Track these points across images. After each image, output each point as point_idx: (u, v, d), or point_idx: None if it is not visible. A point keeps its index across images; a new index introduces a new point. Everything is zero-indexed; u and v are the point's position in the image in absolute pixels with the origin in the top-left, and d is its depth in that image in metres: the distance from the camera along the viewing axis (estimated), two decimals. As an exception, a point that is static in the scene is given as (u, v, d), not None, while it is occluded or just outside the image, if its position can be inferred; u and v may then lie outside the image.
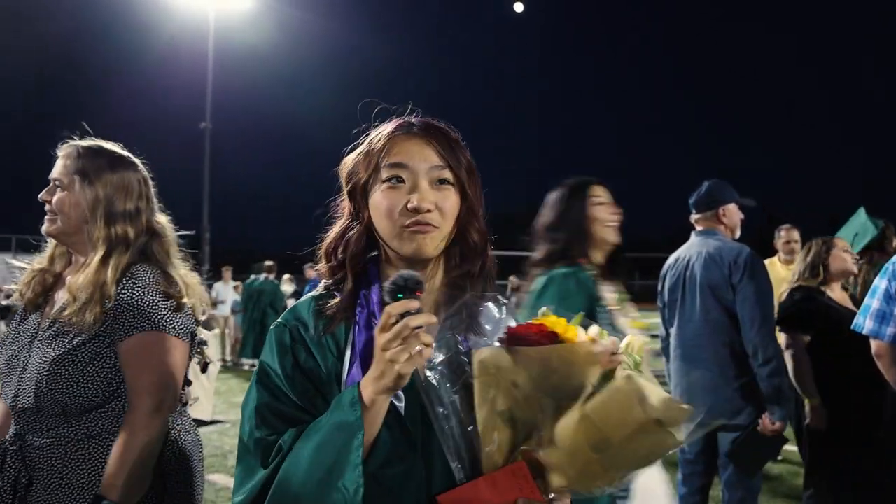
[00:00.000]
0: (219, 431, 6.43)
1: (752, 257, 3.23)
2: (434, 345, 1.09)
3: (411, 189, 1.19)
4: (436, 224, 1.19)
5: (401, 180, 1.20)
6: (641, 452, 1.04)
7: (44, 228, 1.84)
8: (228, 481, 5.09)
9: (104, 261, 1.74)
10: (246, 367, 11.89)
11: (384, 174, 1.21)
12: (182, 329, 1.79)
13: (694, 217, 3.59)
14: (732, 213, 3.50)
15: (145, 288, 1.75)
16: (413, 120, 1.27)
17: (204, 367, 2.15)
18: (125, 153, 1.89)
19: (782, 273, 4.74)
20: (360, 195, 1.27)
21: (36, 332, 1.77)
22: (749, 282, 3.16)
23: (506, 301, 1.25)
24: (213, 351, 2.00)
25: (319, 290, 1.31)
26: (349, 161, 1.29)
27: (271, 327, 1.27)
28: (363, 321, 1.22)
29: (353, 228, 1.28)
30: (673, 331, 3.49)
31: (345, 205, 1.31)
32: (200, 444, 1.95)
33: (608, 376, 1.05)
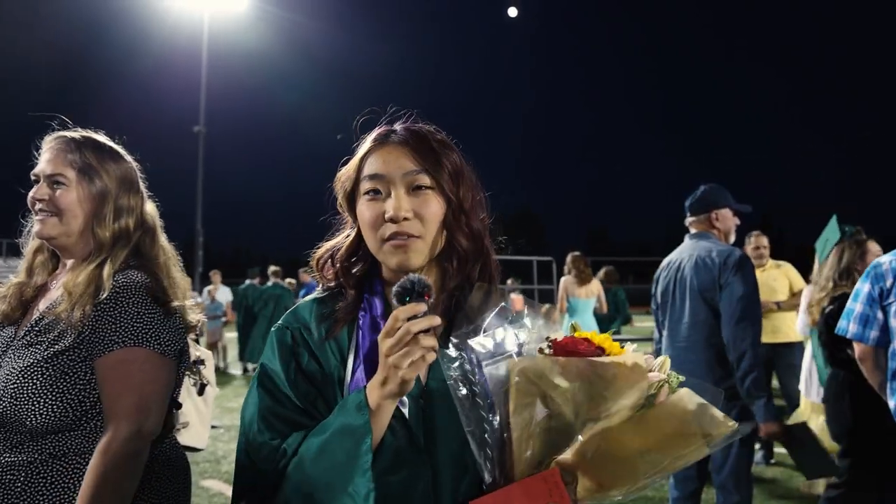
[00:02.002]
0: (212, 437, 6.40)
1: (741, 259, 3.24)
2: (450, 350, 1.09)
3: (388, 198, 1.18)
4: (416, 233, 1.17)
5: (378, 191, 1.19)
6: (677, 461, 1.08)
7: (41, 231, 1.65)
8: (222, 487, 5.06)
9: (105, 258, 1.63)
10: (236, 373, 11.77)
11: (364, 186, 1.21)
12: (169, 345, 1.60)
13: (688, 220, 3.62)
14: (726, 218, 3.52)
15: (130, 298, 1.57)
16: (396, 127, 1.26)
17: (201, 390, 1.95)
18: (116, 145, 1.78)
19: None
20: (347, 208, 1.28)
21: (10, 342, 1.61)
22: (734, 280, 3.18)
23: (532, 308, 1.23)
24: (210, 372, 1.95)
25: (319, 292, 1.31)
26: (340, 174, 1.29)
27: (273, 329, 1.26)
28: (366, 325, 1.21)
29: (346, 239, 1.29)
30: (664, 333, 3.51)
31: (345, 216, 1.32)
32: (188, 474, 1.76)
33: (649, 390, 1.08)
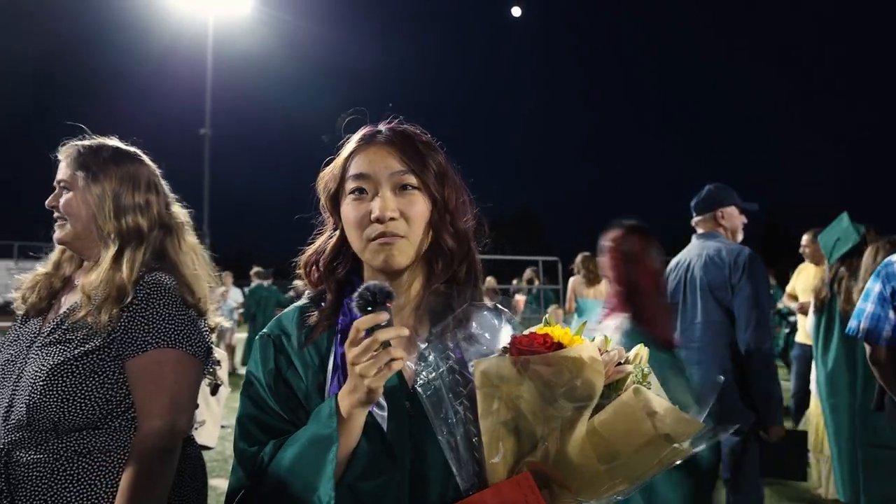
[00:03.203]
0: (221, 436, 6.41)
1: (751, 258, 3.23)
2: (423, 354, 1.09)
3: (374, 198, 1.17)
4: (401, 233, 1.17)
5: (364, 191, 1.19)
6: (650, 463, 1.03)
7: (56, 236, 1.73)
8: (229, 488, 5.06)
9: (117, 257, 1.64)
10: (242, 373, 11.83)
11: (349, 186, 1.21)
12: (199, 346, 1.64)
13: (694, 220, 3.61)
14: (732, 216, 3.50)
15: (161, 299, 1.61)
16: (381, 127, 1.26)
17: (214, 389, 1.99)
18: (130, 148, 1.81)
19: None
20: (331, 208, 1.27)
21: (35, 338, 1.65)
22: (747, 282, 3.17)
23: (504, 309, 1.23)
24: (224, 373, 1.95)
25: (303, 300, 1.31)
26: (324, 174, 1.29)
27: (256, 337, 1.27)
28: (346, 330, 1.18)
29: (330, 240, 1.28)
30: (676, 334, 3.48)
31: (327, 217, 1.31)
32: (205, 472, 1.81)
33: (616, 387, 1.04)
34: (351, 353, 1.04)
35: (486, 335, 1.17)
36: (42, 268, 1.80)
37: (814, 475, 4.84)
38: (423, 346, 1.12)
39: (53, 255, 1.82)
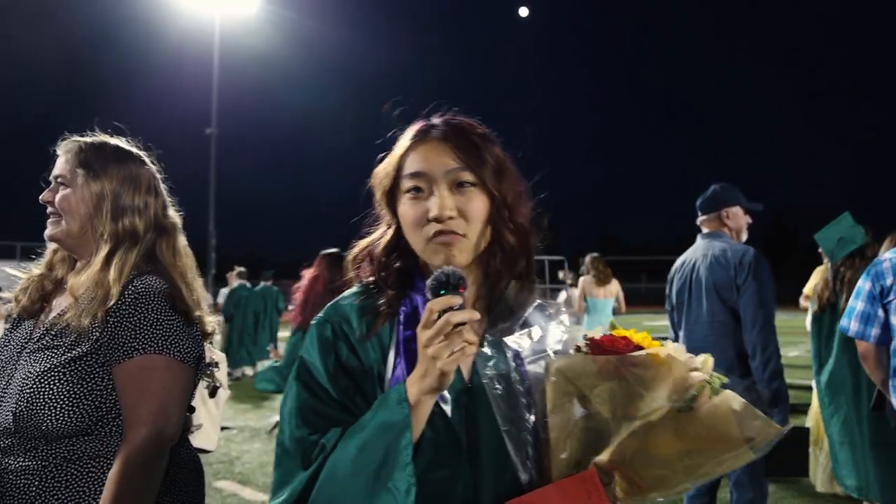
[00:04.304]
0: (225, 438, 6.45)
1: (756, 258, 3.23)
2: (487, 349, 1.08)
3: (430, 197, 1.15)
4: (460, 231, 1.15)
5: (420, 189, 1.16)
6: (723, 464, 1.06)
7: (47, 233, 1.67)
8: (236, 488, 5.09)
9: (109, 257, 1.60)
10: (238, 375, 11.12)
11: (405, 184, 1.18)
12: (188, 352, 1.60)
13: (699, 219, 3.61)
14: (737, 216, 3.50)
15: (150, 303, 1.57)
16: (435, 121, 1.23)
17: (213, 392, 1.93)
18: (131, 148, 1.77)
19: None
20: (386, 205, 1.25)
21: (26, 343, 1.60)
22: (753, 282, 3.17)
23: (552, 307, 1.21)
24: (223, 375, 1.96)
25: (358, 287, 1.28)
26: (378, 170, 1.26)
27: (313, 323, 1.24)
28: (407, 321, 1.19)
29: (384, 236, 1.26)
30: (681, 333, 3.49)
31: (382, 213, 1.29)
32: (202, 476, 1.77)
33: (691, 391, 1.06)
34: (424, 336, 1.02)
35: (545, 332, 1.16)
36: (36, 269, 1.75)
37: (811, 469, 4.83)
38: (487, 340, 1.10)
39: (46, 256, 1.76)
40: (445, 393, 1.11)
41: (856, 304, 2.93)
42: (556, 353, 1.11)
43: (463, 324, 1.01)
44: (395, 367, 1.16)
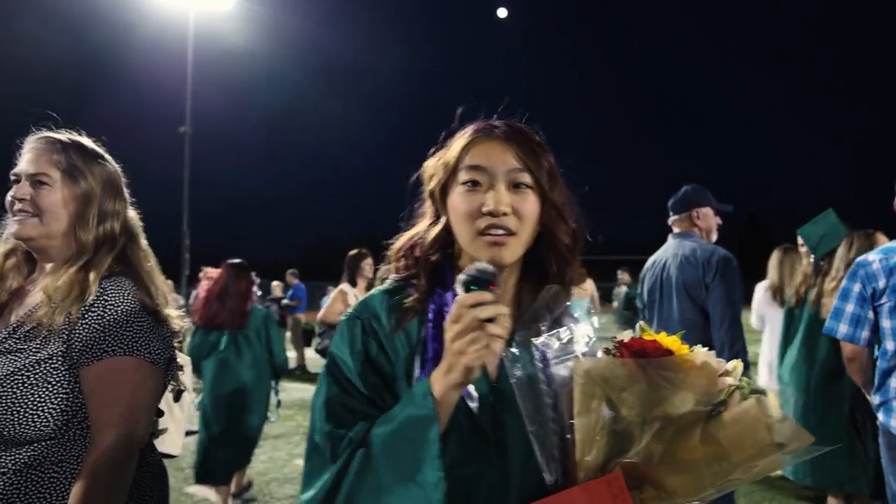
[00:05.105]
0: (197, 442, 6.35)
1: (725, 258, 3.30)
2: (513, 349, 1.08)
3: (488, 191, 1.17)
4: (513, 228, 1.17)
5: (478, 183, 1.18)
6: (751, 470, 1.05)
7: (18, 231, 1.59)
8: (207, 492, 5.02)
9: (89, 262, 1.58)
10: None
11: (462, 177, 1.20)
12: (158, 354, 1.57)
13: (671, 219, 3.67)
14: (707, 216, 3.57)
15: (119, 305, 1.54)
16: (495, 122, 1.26)
17: (177, 396, 1.90)
18: (99, 148, 1.73)
19: None
20: (439, 197, 1.26)
21: None
22: (721, 282, 3.23)
23: (586, 310, 1.22)
24: (188, 378, 1.92)
25: (389, 284, 1.29)
26: (430, 164, 1.28)
27: (343, 318, 1.25)
28: (436, 318, 1.20)
29: (432, 228, 1.27)
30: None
31: (426, 206, 1.31)
32: (167, 481, 1.74)
33: (720, 395, 1.06)
34: (451, 331, 1.03)
35: (574, 335, 1.17)
36: None
37: None
38: (515, 340, 1.11)
39: None
40: (472, 390, 1.12)
41: (844, 305, 2.85)
42: (583, 355, 1.12)
43: (491, 320, 1.01)
44: (423, 364, 1.17)
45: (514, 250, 1.19)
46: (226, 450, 4.64)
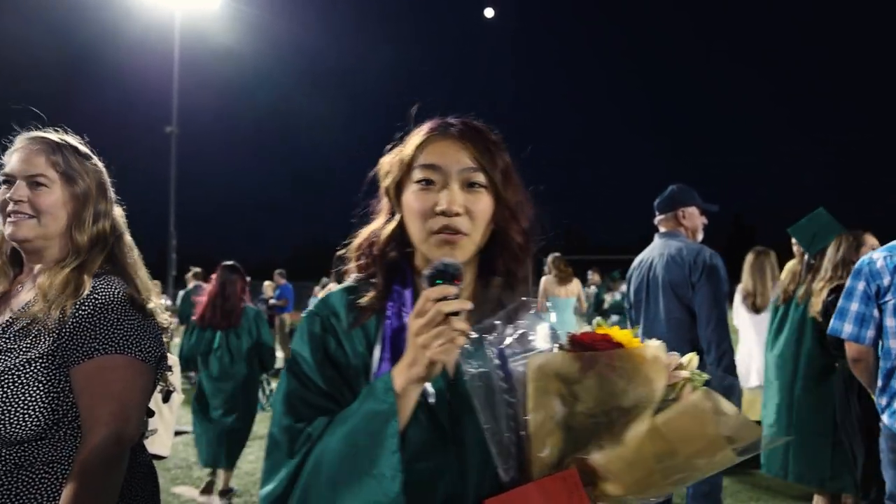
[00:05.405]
0: (184, 442, 6.30)
1: (711, 258, 3.31)
2: (472, 345, 1.08)
3: (441, 191, 1.17)
4: (465, 230, 1.17)
5: (432, 182, 1.18)
6: (702, 465, 1.04)
7: (13, 233, 1.58)
8: (194, 493, 5.00)
9: (84, 262, 1.59)
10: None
11: (416, 175, 1.20)
12: (149, 352, 1.57)
13: (657, 219, 3.68)
14: (693, 216, 3.59)
15: (110, 304, 1.54)
16: (451, 120, 1.25)
17: (167, 396, 1.90)
18: (86, 146, 1.73)
19: None
20: (393, 194, 1.26)
21: None
22: (707, 282, 3.25)
23: (535, 306, 1.23)
24: (176, 378, 1.92)
25: (350, 282, 1.30)
26: (385, 160, 1.28)
27: (303, 315, 1.27)
28: (394, 315, 1.21)
29: (387, 226, 1.27)
30: (639, 331, 3.53)
31: (383, 203, 1.30)
32: (157, 481, 1.74)
33: (671, 390, 1.05)
34: (416, 324, 1.04)
35: (531, 332, 1.17)
36: None
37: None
38: (474, 334, 1.11)
39: None
40: (429, 387, 1.13)
41: (849, 304, 2.80)
42: (538, 351, 1.12)
43: (455, 314, 1.02)
44: (381, 360, 1.17)
45: (466, 250, 1.19)
46: (220, 438, 4.83)
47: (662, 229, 3.63)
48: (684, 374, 1.06)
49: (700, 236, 3.62)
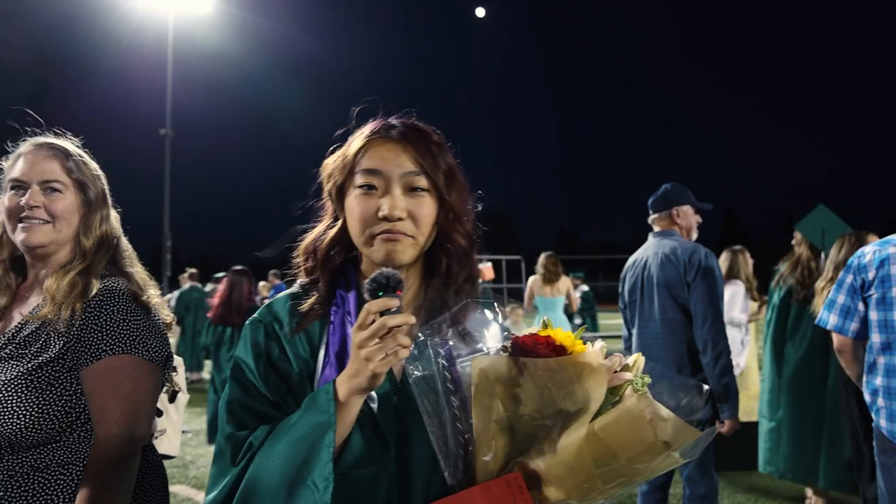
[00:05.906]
0: (181, 441, 6.30)
1: (706, 256, 3.32)
2: (418, 349, 1.08)
3: (383, 196, 1.16)
4: (408, 233, 1.16)
5: (373, 187, 1.17)
6: (643, 469, 1.04)
7: (27, 238, 1.58)
8: (190, 492, 4.99)
9: (90, 265, 1.62)
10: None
11: (358, 180, 1.18)
12: (156, 351, 1.59)
13: (651, 218, 3.68)
14: (687, 215, 3.59)
15: (115, 305, 1.56)
16: (394, 121, 1.23)
17: (172, 396, 1.92)
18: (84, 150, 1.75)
19: None
20: (336, 198, 1.25)
21: None
22: (702, 280, 3.25)
23: (501, 307, 1.21)
24: (181, 378, 1.93)
25: (295, 288, 1.29)
26: (329, 162, 1.26)
27: (247, 322, 1.26)
28: (338, 321, 1.20)
29: (330, 230, 1.26)
30: (634, 331, 3.56)
31: (327, 206, 1.29)
32: (166, 481, 1.76)
33: (614, 393, 1.04)
34: (358, 337, 1.03)
35: (478, 333, 1.15)
36: None
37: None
38: (417, 339, 1.10)
39: None
40: (373, 393, 1.13)
41: (837, 296, 2.85)
42: (482, 353, 1.10)
43: (398, 327, 1.02)
44: (324, 366, 1.17)
45: (409, 251, 1.18)
46: None
47: (656, 228, 3.63)
48: (628, 375, 1.05)
49: (694, 235, 3.62)
